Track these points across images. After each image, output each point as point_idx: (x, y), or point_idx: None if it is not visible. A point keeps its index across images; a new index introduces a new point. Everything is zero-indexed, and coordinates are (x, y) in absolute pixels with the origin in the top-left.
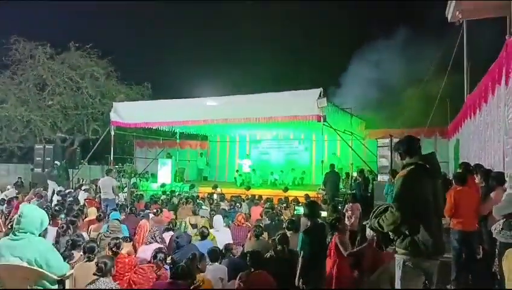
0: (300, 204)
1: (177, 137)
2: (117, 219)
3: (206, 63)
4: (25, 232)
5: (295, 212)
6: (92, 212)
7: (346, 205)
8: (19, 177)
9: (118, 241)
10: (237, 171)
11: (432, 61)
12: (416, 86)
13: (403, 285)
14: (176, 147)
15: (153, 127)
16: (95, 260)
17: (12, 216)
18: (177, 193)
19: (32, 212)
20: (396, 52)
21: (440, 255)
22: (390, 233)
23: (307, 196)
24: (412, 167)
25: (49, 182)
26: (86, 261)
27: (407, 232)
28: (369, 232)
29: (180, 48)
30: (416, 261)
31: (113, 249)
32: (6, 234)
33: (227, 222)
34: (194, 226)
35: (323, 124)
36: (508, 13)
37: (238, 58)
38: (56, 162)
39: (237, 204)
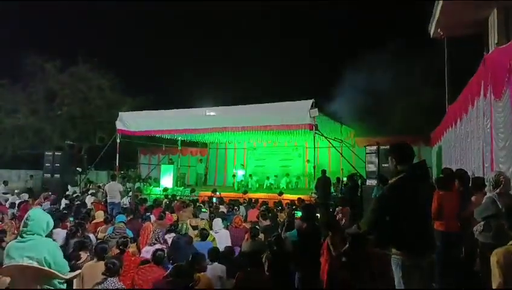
0: (294, 207)
1: (179, 144)
2: (122, 222)
3: (206, 76)
4: (33, 234)
5: (295, 216)
6: (100, 215)
7: (337, 208)
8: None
9: (125, 239)
10: (234, 176)
11: (418, 73)
12: (403, 97)
13: (405, 283)
14: (177, 153)
15: (156, 135)
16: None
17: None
18: (178, 197)
19: (38, 216)
20: (386, 64)
21: (431, 253)
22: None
23: (299, 200)
24: (402, 175)
25: (69, 187)
26: (95, 262)
27: (397, 234)
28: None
29: (181, 62)
30: (412, 260)
31: (121, 247)
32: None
33: (225, 224)
34: (195, 228)
35: (315, 133)
36: (484, 31)
37: (236, 71)
38: (78, 168)
39: (235, 207)
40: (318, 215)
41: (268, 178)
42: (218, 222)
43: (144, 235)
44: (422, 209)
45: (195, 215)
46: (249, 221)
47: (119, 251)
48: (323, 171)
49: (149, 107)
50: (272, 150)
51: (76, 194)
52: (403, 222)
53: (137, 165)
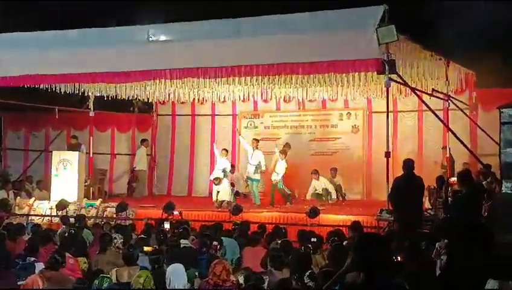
0: (340, 241)
1: (91, 105)
2: None
3: None
4: None
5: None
6: None
7: (438, 244)
8: None
9: None
10: (216, 180)
11: None
12: None
13: None
14: (87, 127)
15: (40, 87)
16: None
17: None
18: (91, 221)
19: None
20: None
21: None
22: None
23: (355, 226)
24: None
25: None
26: None
27: None
28: None
29: None
30: None
31: None
32: None
33: (192, 275)
34: (126, 286)
35: (388, 77)
36: None
37: None
38: None
39: (214, 242)
40: (398, 258)
41: (278, 179)
42: (178, 273)
43: None
44: None
45: (128, 260)
46: (242, 270)
47: None
48: (408, 164)
49: (25, 27)
50: (293, 120)
51: None
52: None
53: None
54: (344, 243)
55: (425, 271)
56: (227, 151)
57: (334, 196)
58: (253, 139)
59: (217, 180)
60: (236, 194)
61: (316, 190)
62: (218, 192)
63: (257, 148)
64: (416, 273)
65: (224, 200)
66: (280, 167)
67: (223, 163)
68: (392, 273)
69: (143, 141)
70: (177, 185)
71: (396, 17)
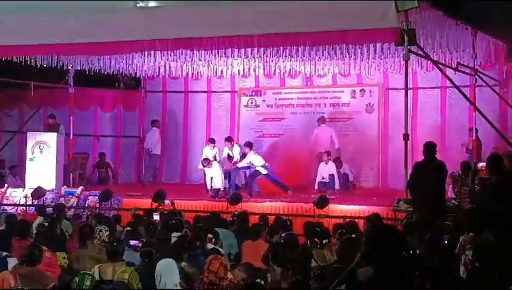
0: (350, 236)
1: (71, 82)
2: None
3: None
4: None
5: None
6: None
7: (462, 238)
8: None
9: None
10: (203, 162)
11: None
12: None
13: None
14: (66, 105)
15: (12, 59)
16: None
17: None
18: (71, 211)
19: None
20: None
21: None
22: None
23: (373, 218)
24: None
25: None
26: None
27: None
28: None
29: None
30: None
31: None
32: None
33: (181, 271)
34: (109, 283)
35: (408, 49)
36: None
37: None
38: None
39: (209, 235)
40: (417, 252)
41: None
42: (167, 270)
43: None
44: None
45: (113, 255)
46: (240, 268)
47: None
48: (429, 148)
49: None
50: (299, 97)
51: None
52: None
53: None
54: (353, 236)
55: (448, 267)
56: (213, 141)
57: (337, 186)
58: (226, 139)
59: (206, 162)
60: (236, 187)
61: (323, 178)
62: (211, 178)
63: (233, 145)
64: (438, 269)
65: (219, 189)
66: (256, 159)
67: (210, 154)
68: (410, 269)
69: (154, 121)
70: (169, 172)
71: None
